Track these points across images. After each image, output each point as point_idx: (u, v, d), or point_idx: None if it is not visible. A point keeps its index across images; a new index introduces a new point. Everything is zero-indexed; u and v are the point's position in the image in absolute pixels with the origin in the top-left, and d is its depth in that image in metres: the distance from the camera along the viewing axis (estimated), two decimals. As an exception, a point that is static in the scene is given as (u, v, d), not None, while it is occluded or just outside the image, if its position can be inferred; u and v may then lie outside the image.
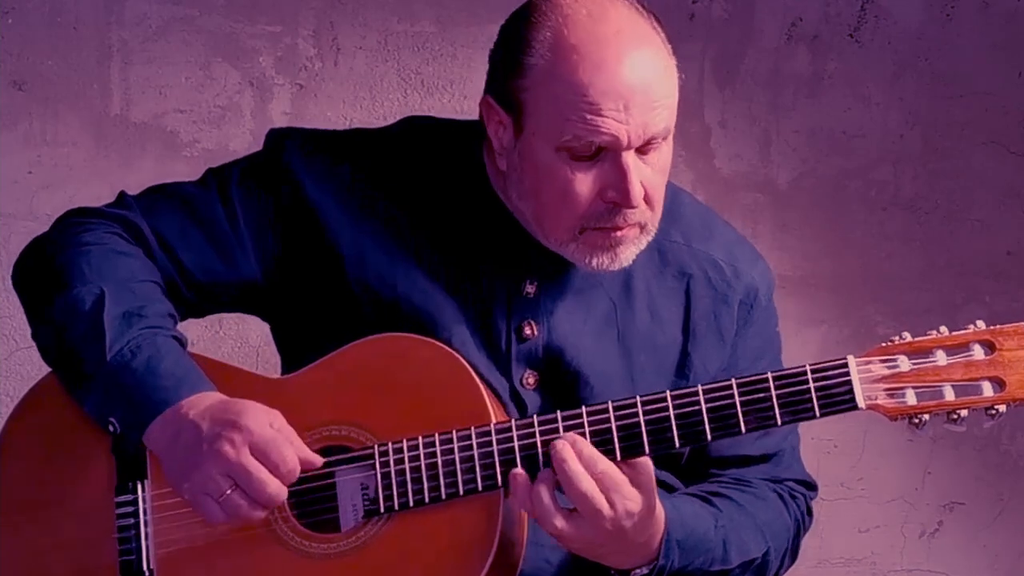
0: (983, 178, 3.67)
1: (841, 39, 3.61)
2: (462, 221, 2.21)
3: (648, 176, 2.08)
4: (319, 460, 2.06)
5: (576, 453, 2.01)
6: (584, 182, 2.07)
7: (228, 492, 2.01)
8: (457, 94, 3.46)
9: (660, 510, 2.06)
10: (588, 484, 1.99)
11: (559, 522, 2.00)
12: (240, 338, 3.38)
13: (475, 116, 2.22)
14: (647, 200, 2.09)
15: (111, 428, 2.07)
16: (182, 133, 3.37)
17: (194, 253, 2.20)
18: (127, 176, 3.26)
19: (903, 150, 3.65)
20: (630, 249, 2.12)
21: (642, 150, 2.07)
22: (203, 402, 2.06)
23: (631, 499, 2.01)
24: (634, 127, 2.04)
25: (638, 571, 2.09)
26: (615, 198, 2.06)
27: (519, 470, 2.02)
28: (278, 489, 2.02)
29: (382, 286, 2.17)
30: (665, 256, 2.25)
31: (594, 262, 2.11)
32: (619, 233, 2.09)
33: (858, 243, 3.65)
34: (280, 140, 2.25)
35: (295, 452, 2.03)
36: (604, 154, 2.06)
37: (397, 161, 2.23)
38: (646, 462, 2.03)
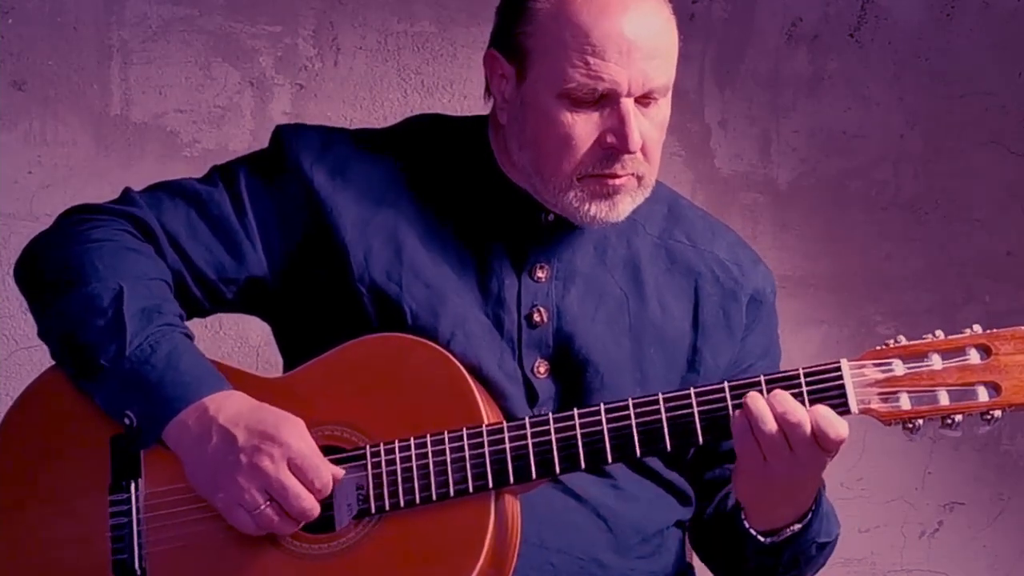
0: (983, 178, 3.67)
1: (841, 39, 3.61)
2: (472, 207, 2.22)
3: (646, 128, 2.11)
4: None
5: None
6: (584, 128, 2.10)
7: (263, 506, 2.02)
8: (457, 94, 3.46)
9: None
10: (804, 415, 1.98)
11: (773, 427, 1.98)
12: (240, 338, 3.38)
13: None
14: (644, 152, 2.12)
15: (127, 421, 2.07)
16: (182, 133, 3.37)
17: (203, 249, 2.20)
18: (127, 176, 3.25)
19: (903, 150, 3.65)
20: (627, 201, 2.14)
21: (641, 102, 2.10)
22: (230, 405, 2.06)
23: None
24: (635, 74, 2.07)
25: (787, 531, 2.12)
26: (614, 143, 2.09)
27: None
28: (312, 506, 2.03)
29: (387, 283, 2.18)
30: (672, 254, 2.27)
31: (592, 210, 2.13)
32: (617, 181, 2.12)
33: (858, 243, 3.65)
34: (287, 137, 2.25)
35: (328, 468, 2.04)
36: (604, 101, 2.09)
37: (404, 155, 2.24)
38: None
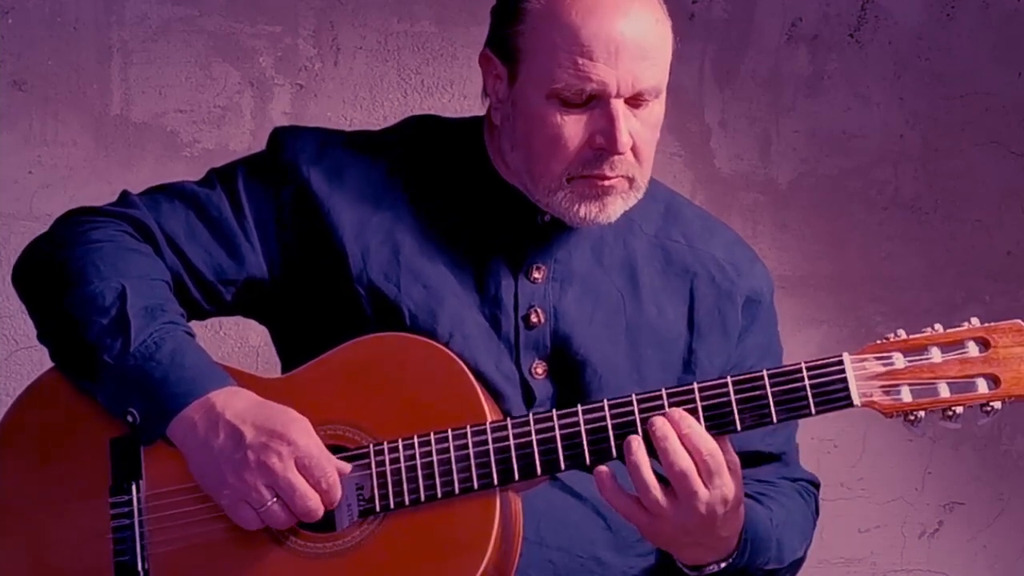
0: (983, 178, 3.67)
1: (841, 39, 3.61)
2: (468, 207, 2.22)
3: (637, 129, 2.11)
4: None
5: (681, 431, 1.99)
6: (574, 128, 2.10)
7: (269, 504, 2.02)
8: (457, 94, 3.46)
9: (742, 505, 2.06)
10: (688, 463, 1.98)
11: (657, 495, 1.99)
12: (240, 338, 3.38)
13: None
14: (635, 152, 2.12)
15: (130, 419, 2.07)
16: (182, 133, 3.37)
17: (202, 251, 2.20)
18: (127, 176, 3.26)
19: (903, 150, 3.66)
20: (618, 202, 2.14)
21: (632, 103, 2.10)
22: (237, 402, 2.06)
23: (727, 486, 2.00)
24: (623, 74, 2.07)
25: (712, 567, 2.09)
26: (603, 144, 2.09)
27: (636, 436, 2.01)
28: (318, 505, 2.03)
29: (385, 284, 2.18)
30: (669, 254, 2.27)
31: (582, 211, 2.13)
32: (607, 183, 2.12)
33: (858, 243, 3.65)
34: (285, 138, 2.26)
35: (334, 467, 2.04)
36: (594, 102, 2.09)
37: (400, 157, 2.25)
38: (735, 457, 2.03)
